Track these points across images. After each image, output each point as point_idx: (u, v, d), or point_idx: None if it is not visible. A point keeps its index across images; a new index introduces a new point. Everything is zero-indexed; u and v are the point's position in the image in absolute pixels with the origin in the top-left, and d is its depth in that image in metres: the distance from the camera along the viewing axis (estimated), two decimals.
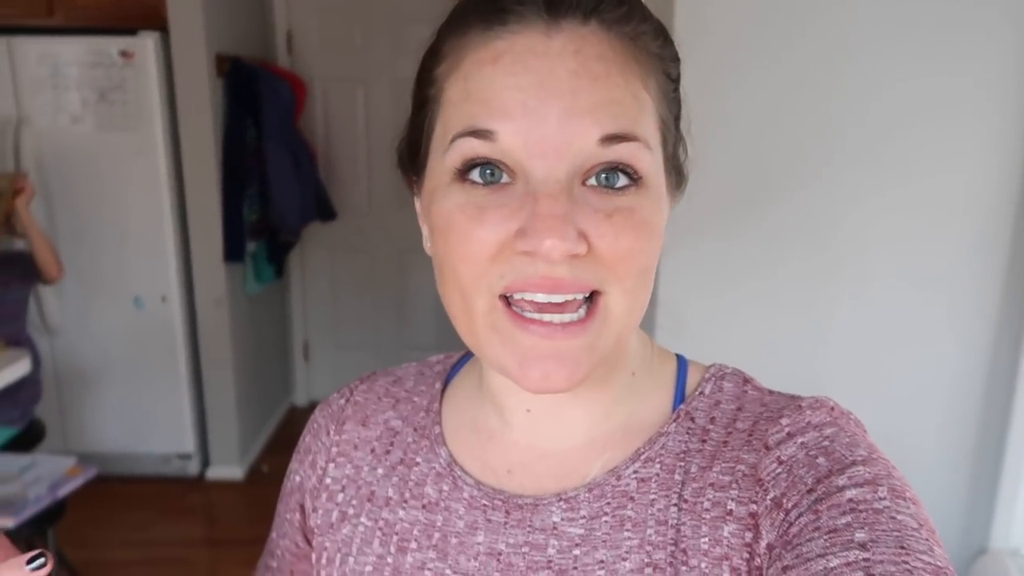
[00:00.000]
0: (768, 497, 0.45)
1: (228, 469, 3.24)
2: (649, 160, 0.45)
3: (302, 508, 0.61)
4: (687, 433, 0.51)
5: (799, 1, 1.68)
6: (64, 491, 1.98)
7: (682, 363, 0.56)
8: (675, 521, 0.48)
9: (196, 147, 2.95)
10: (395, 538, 0.54)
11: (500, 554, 0.51)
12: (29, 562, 0.41)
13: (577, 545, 0.49)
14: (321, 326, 3.96)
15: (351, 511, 0.57)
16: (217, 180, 3.01)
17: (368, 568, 0.54)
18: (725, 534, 0.46)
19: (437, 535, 0.53)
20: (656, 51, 0.47)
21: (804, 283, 1.82)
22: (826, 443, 0.46)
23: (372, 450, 0.59)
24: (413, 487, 0.56)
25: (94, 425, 3.15)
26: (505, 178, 0.44)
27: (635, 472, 0.50)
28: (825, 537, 0.41)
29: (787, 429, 0.48)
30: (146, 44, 2.81)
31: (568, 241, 0.41)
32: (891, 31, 1.65)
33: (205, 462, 3.28)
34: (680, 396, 0.54)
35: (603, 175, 0.44)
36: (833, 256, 1.80)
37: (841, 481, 0.43)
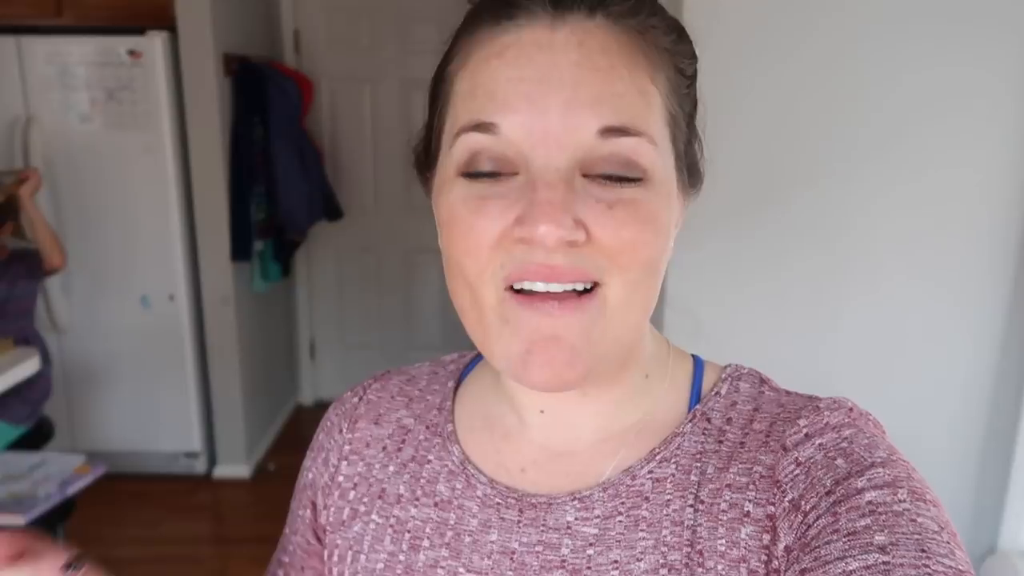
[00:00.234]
0: (786, 499, 0.45)
1: (235, 467, 3.25)
2: (654, 156, 0.44)
3: (314, 505, 0.61)
4: (703, 434, 0.51)
5: (807, 0, 1.67)
6: (73, 489, 1.98)
7: (698, 363, 0.56)
8: (691, 522, 0.47)
9: (204, 146, 2.96)
10: (407, 536, 0.54)
11: (513, 553, 0.50)
12: (67, 567, 0.41)
13: (591, 545, 0.49)
14: (327, 325, 3.97)
15: (362, 508, 0.57)
16: (225, 179, 3.02)
17: (380, 566, 0.54)
18: (742, 536, 0.45)
19: (450, 533, 0.53)
20: (668, 46, 0.47)
21: (813, 282, 1.82)
22: (844, 444, 0.46)
23: (384, 448, 0.59)
24: (425, 484, 0.55)
25: (101, 423, 3.16)
26: (508, 170, 0.44)
27: (650, 472, 0.50)
28: (844, 540, 0.41)
29: (805, 430, 0.47)
30: (154, 43, 2.82)
31: (563, 228, 0.41)
32: (899, 28, 1.65)
33: (212, 460, 3.29)
34: (696, 396, 0.53)
35: (605, 167, 0.44)
36: (843, 255, 1.79)
37: (860, 483, 0.43)
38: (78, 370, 3.09)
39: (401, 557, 0.54)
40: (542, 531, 0.50)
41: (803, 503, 0.44)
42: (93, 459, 2.11)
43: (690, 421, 0.52)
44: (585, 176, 0.44)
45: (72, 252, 2.92)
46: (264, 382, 3.49)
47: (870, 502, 0.42)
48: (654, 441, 0.52)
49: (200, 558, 2.76)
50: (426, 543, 0.53)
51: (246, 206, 3.08)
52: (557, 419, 0.53)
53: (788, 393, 0.52)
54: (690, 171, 0.50)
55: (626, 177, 0.44)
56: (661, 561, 0.47)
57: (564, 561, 0.49)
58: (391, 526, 0.55)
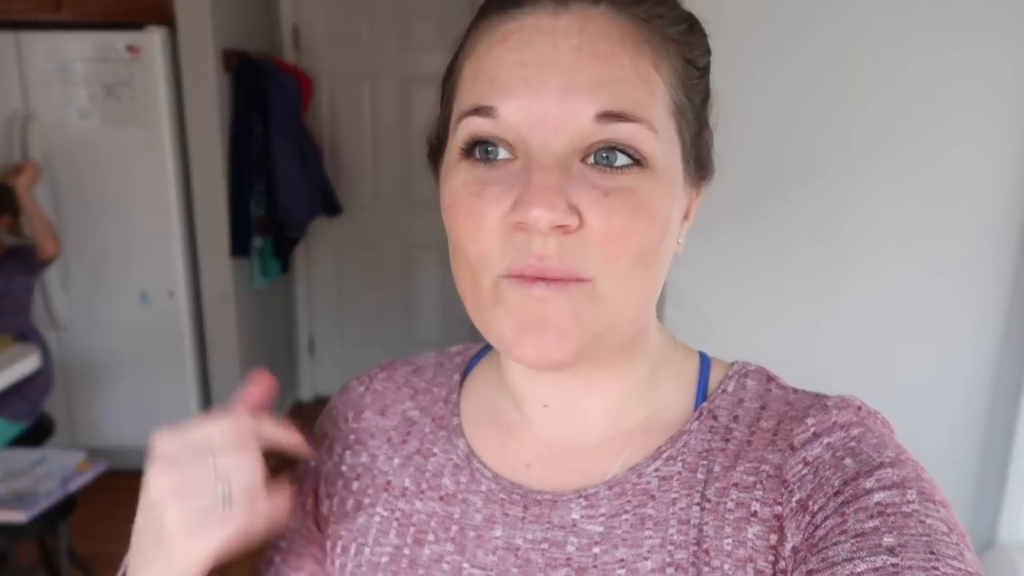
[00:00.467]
0: (793, 499, 0.45)
1: None
2: (654, 143, 0.44)
3: (315, 493, 0.61)
4: (710, 432, 0.51)
5: None
6: (75, 485, 1.98)
7: (705, 360, 0.55)
8: (697, 521, 0.47)
9: (203, 142, 2.95)
10: (412, 529, 0.54)
11: (518, 549, 0.50)
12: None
13: (597, 543, 0.49)
14: (326, 321, 3.96)
15: (367, 500, 0.57)
16: (224, 176, 3.01)
17: (384, 559, 0.54)
18: (749, 536, 0.45)
19: (455, 528, 0.53)
20: (676, 36, 0.47)
21: (813, 275, 1.82)
22: (853, 444, 0.45)
23: (389, 439, 0.59)
24: (430, 478, 0.55)
25: (101, 420, 3.16)
26: (506, 154, 0.45)
27: (656, 470, 0.50)
28: (852, 541, 0.40)
29: (813, 429, 0.47)
30: (153, 39, 2.81)
31: (557, 212, 0.41)
32: (898, 18, 1.65)
33: None
34: (703, 394, 0.53)
35: (603, 153, 0.44)
36: (842, 249, 1.79)
37: (869, 483, 0.42)
38: (78, 367, 3.09)
39: (406, 551, 0.54)
40: (547, 528, 0.50)
41: (811, 503, 0.44)
42: (93, 455, 2.12)
43: (697, 419, 0.51)
44: (584, 162, 0.44)
45: (71, 248, 2.92)
46: None
47: (879, 503, 0.41)
48: (660, 439, 0.51)
49: None
50: (431, 537, 0.53)
51: (245, 202, 3.08)
52: (561, 414, 0.53)
53: (796, 391, 0.52)
54: (698, 163, 0.50)
55: (624, 164, 0.44)
56: (667, 560, 0.47)
57: (569, 559, 0.49)
58: (396, 519, 0.55)
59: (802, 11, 1.68)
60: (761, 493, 0.46)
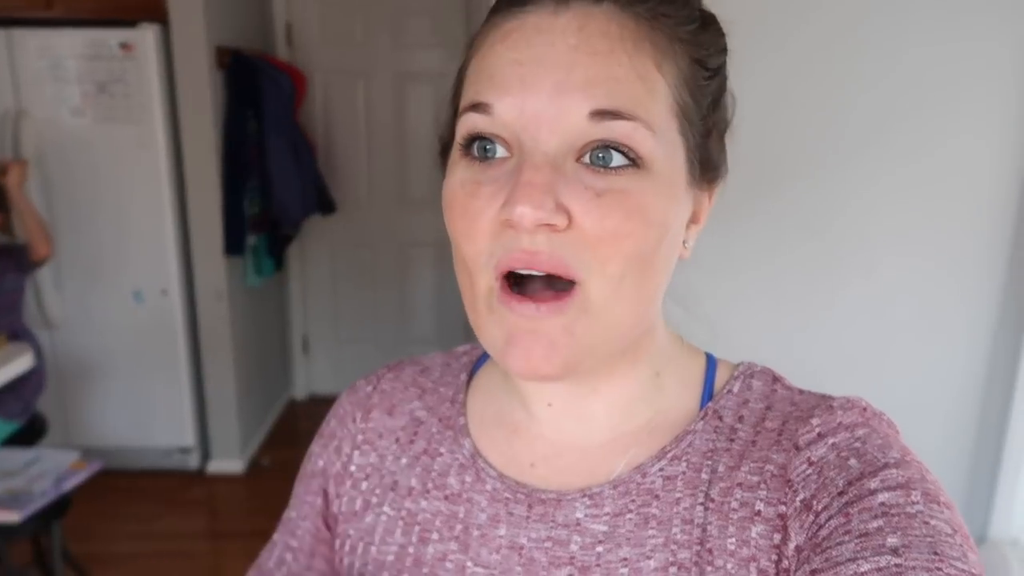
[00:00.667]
0: (798, 498, 0.45)
1: (228, 463, 3.25)
2: (651, 143, 0.43)
3: (325, 493, 0.61)
4: (715, 432, 0.51)
5: None
6: (69, 485, 1.98)
7: (711, 361, 0.56)
8: (701, 520, 0.47)
9: (196, 140, 2.94)
10: (417, 528, 0.54)
11: (522, 548, 0.50)
12: None
13: (600, 542, 0.49)
14: (321, 319, 3.96)
15: (374, 500, 0.57)
16: (218, 173, 3.00)
17: (390, 558, 0.54)
18: (753, 535, 0.45)
19: (459, 527, 0.53)
20: (685, 36, 0.46)
21: (806, 272, 1.82)
22: (858, 444, 0.45)
23: (397, 439, 0.59)
24: (436, 477, 0.56)
25: (94, 419, 3.14)
26: (503, 152, 0.45)
27: (661, 470, 0.50)
28: (856, 541, 0.40)
29: (818, 429, 0.47)
30: (146, 36, 2.80)
31: (542, 210, 0.41)
32: (893, 12, 1.65)
33: (205, 456, 3.28)
34: (708, 394, 0.53)
35: (598, 153, 0.43)
36: (835, 245, 1.80)
37: (873, 484, 0.42)
38: (71, 366, 3.08)
39: (411, 550, 0.54)
40: (551, 527, 0.50)
41: (815, 503, 0.44)
42: (87, 455, 2.11)
43: (702, 419, 0.51)
44: (579, 161, 0.43)
45: (64, 247, 2.90)
46: (258, 377, 3.48)
47: (883, 503, 0.42)
48: (665, 439, 0.52)
49: (195, 553, 2.76)
50: (435, 536, 0.53)
51: (239, 200, 3.07)
52: (566, 414, 0.53)
53: (801, 392, 0.52)
54: (705, 165, 0.49)
55: (620, 164, 0.43)
56: (671, 559, 0.47)
57: (573, 558, 0.49)
58: (402, 518, 0.55)
59: (795, 5, 1.68)
60: (765, 493, 0.46)
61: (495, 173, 0.44)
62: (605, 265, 0.43)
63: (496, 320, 0.45)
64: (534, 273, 0.44)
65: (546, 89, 0.42)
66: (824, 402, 0.49)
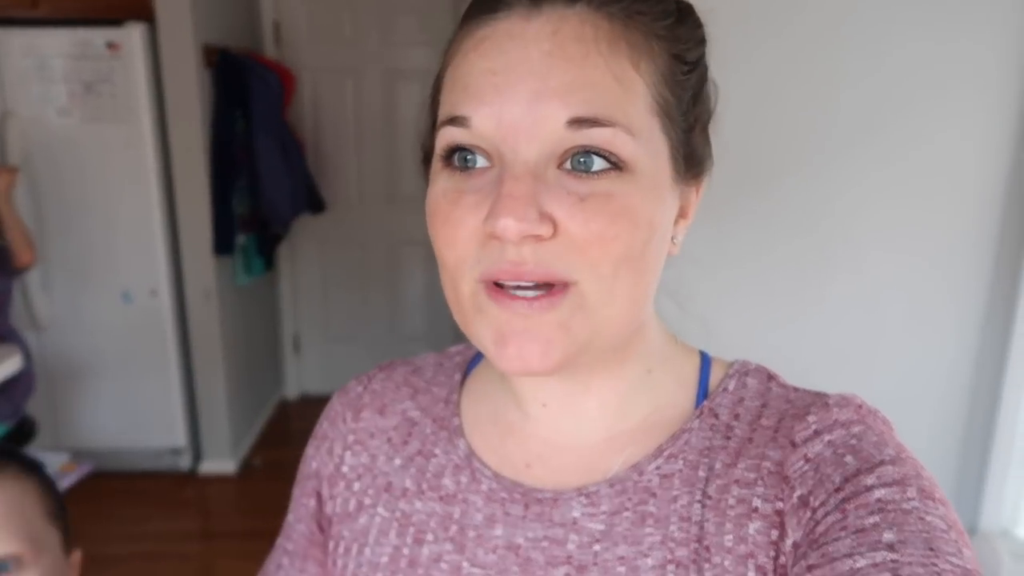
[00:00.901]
0: (795, 495, 0.45)
1: (220, 463, 3.23)
2: (632, 146, 0.43)
3: (319, 495, 0.61)
4: (711, 430, 0.51)
5: None
6: (60, 487, 1.96)
7: (705, 359, 0.56)
8: (698, 518, 0.47)
9: (184, 139, 2.92)
10: (411, 529, 0.54)
11: (519, 548, 0.50)
12: None
13: (597, 541, 0.49)
14: (311, 319, 3.94)
15: (367, 501, 0.57)
16: (206, 172, 2.98)
17: (384, 559, 0.54)
18: (750, 532, 0.46)
19: (454, 527, 0.53)
20: (662, 32, 0.46)
21: (795, 268, 1.84)
22: (854, 441, 0.46)
23: (389, 440, 0.59)
24: (431, 478, 0.55)
25: (84, 421, 3.12)
26: (483, 163, 0.44)
27: (657, 468, 0.50)
28: (852, 537, 0.41)
29: (814, 426, 0.47)
30: (132, 35, 2.78)
31: (526, 222, 0.41)
32: (879, 11, 1.66)
33: (197, 456, 3.27)
34: (703, 393, 0.53)
35: (579, 158, 0.43)
36: (824, 241, 1.81)
37: (869, 480, 0.43)
38: (60, 367, 3.05)
39: (405, 551, 0.54)
40: (548, 526, 0.50)
41: (812, 499, 0.44)
42: (77, 457, 2.10)
43: (698, 417, 0.52)
44: (560, 168, 0.43)
45: (52, 248, 2.88)
46: (248, 377, 3.47)
47: (879, 499, 0.42)
48: (661, 437, 0.52)
49: (187, 554, 2.75)
50: (430, 537, 0.53)
51: (228, 199, 3.05)
52: (561, 413, 0.53)
53: (796, 389, 0.52)
54: (690, 160, 0.49)
55: (602, 168, 0.43)
56: (668, 557, 0.47)
57: (570, 557, 0.49)
58: (396, 519, 0.55)
59: (782, 6, 1.69)
60: (762, 489, 0.46)
61: (477, 183, 0.44)
62: (596, 267, 0.43)
63: (486, 321, 0.45)
64: (522, 283, 0.44)
65: (522, 97, 0.42)
66: (820, 399, 0.49)
